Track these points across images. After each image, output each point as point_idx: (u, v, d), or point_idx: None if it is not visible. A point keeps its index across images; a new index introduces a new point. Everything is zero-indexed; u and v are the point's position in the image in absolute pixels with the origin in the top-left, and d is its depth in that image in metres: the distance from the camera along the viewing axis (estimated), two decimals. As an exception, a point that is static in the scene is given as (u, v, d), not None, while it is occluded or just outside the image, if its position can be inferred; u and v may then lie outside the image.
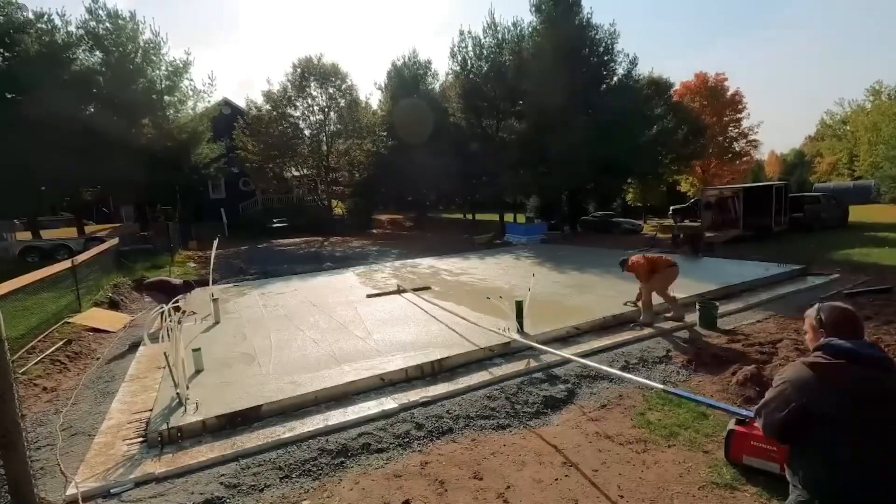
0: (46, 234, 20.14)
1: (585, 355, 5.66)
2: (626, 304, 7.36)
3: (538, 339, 6.06)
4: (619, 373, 4.64)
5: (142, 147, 18.76)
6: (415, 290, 9.53)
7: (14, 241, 17.99)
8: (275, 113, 26.64)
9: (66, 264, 8.74)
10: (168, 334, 4.55)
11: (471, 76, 21.67)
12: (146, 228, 22.01)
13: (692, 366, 5.22)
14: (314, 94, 27.08)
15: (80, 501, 3.26)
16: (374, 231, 27.84)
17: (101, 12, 19.17)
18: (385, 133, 27.98)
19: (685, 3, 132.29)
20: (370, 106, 30.03)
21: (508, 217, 29.03)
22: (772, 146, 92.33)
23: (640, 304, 6.96)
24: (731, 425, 3.43)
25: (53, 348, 6.47)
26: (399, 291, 9.51)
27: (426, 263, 14.05)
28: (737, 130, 34.75)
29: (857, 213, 21.88)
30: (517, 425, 4.17)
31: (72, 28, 19.39)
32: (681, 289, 8.48)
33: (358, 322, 7.43)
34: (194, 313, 8.22)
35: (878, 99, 42.82)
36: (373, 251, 18.27)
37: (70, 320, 7.71)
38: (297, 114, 27.48)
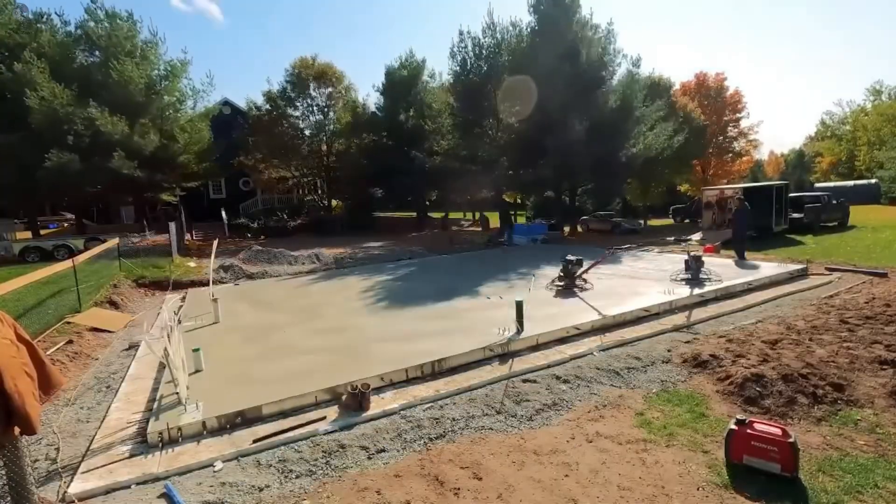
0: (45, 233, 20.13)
1: (585, 355, 5.67)
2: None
3: (538, 339, 6.07)
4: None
5: (141, 146, 18.75)
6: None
7: (13, 241, 17.98)
8: (275, 113, 26.71)
9: (67, 264, 8.74)
10: (168, 335, 4.55)
11: (471, 76, 21.65)
12: (145, 228, 21.99)
13: (692, 366, 5.22)
14: (313, 94, 27.16)
15: (79, 501, 3.26)
16: (375, 230, 27.79)
17: (99, 12, 19.19)
18: (385, 133, 27.98)
19: (686, 2, 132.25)
20: (368, 106, 30.07)
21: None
22: (772, 146, 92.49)
23: None
24: (731, 425, 3.43)
25: (54, 348, 6.46)
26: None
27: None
28: (737, 130, 34.72)
29: (858, 214, 21.86)
30: (517, 425, 4.17)
31: (70, 28, 19.47)
32: (681, 289, 8.51)
33: (356, 322, 7.43)
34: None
35: (879, 99, 42.91)
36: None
37: (70, 320, 7.71)
38: (297, 114, 27.56)
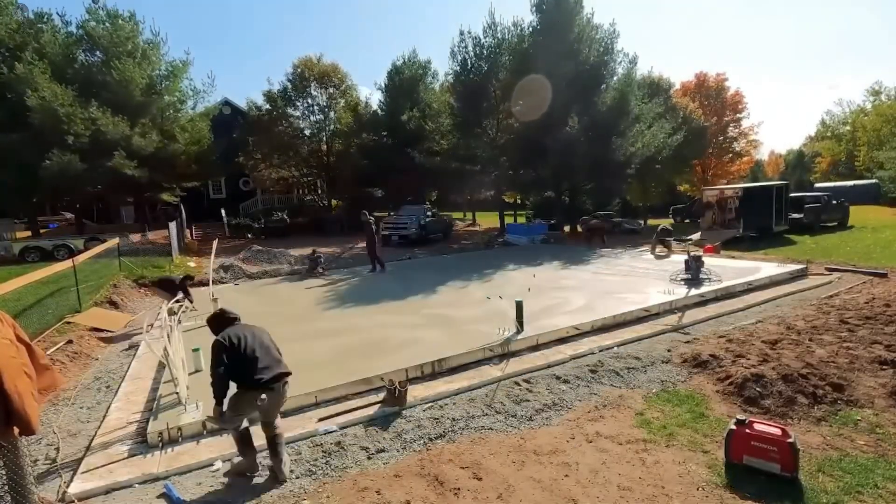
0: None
1: (585, 355, 5.68)
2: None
3: (538, 339, 6.07)
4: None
5: (142, 146, 18.74)
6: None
7: (13, 241, 17.94)
8: (275, 113, 26.69)
9: (67, 264, 8.74)
10: (168, 335, 4.55)
11: (471, 76, 21.63)
12: (145, 228, 22.00)
13: (692, 366, 5.22)
14: (314, 93, 27.14)
15: (79, 501, 3.26)
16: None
17: (100, 12, 19.17)
18: (385, 132, 27.97)
19: (687, 2, 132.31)
20: (370, 105, 30.07)
21: (508, 217, 29.00)
22: (772, 146, 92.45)
23: None
24: (731, 425, 3.43)
25: (54, 348, 6.46)
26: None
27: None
28: (737, 130, 34.73)
29: (858, 214, 21.86)
30: (517, 425, 4.16)
31: (72, 28, 19.46)
32: (681, 289, 8.50)
33: (355, 322, 7.43)
34: (194, 308, 8.67)
35: (878, 99, 42.94)
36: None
37: (70, 320, 7.70)
38: (298, 114, 27.55)
